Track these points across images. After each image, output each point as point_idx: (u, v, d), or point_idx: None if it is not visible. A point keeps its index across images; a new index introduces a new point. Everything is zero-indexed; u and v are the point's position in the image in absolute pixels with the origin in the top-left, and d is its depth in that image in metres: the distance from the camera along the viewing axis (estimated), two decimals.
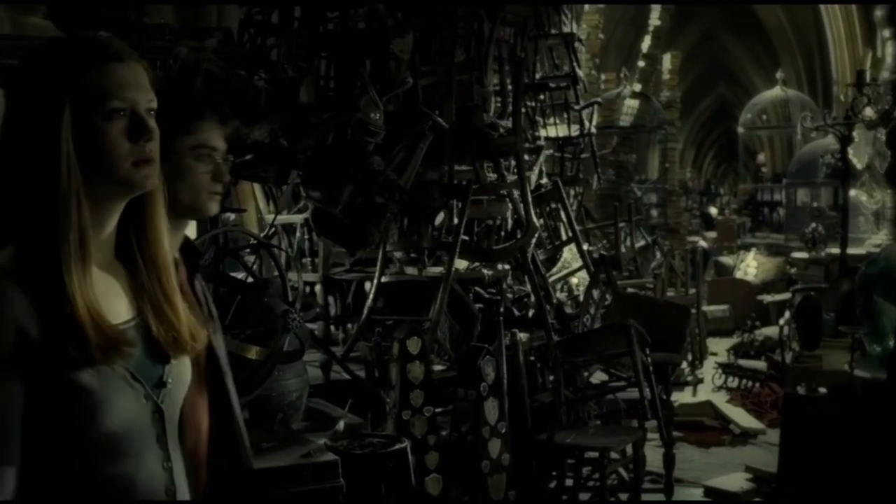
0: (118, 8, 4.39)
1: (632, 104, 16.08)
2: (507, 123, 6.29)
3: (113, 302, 1.66)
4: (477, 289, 6.49)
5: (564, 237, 7.24)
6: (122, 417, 1.60)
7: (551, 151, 8.34)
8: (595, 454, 5.59)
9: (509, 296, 6.60)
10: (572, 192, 9.44)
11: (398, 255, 6.13)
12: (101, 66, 1.59)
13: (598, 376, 6.54)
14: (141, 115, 1.63)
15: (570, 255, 7.27)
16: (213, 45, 5.25)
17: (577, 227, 9.68)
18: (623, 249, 8.70)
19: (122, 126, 1.61)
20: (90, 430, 1.57)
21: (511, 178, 6.39)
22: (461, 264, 6.35)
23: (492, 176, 6.49)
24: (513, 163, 6.45)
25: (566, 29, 8.46)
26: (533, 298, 6.34)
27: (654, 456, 6.69)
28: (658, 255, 10.98)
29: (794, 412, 3.87)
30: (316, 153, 4.21)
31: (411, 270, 6.11)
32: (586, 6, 14.70)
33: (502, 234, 6.76)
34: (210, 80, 4.01)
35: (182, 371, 1.76)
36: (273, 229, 5.32)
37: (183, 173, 2.20)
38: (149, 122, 1.63)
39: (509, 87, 6.69)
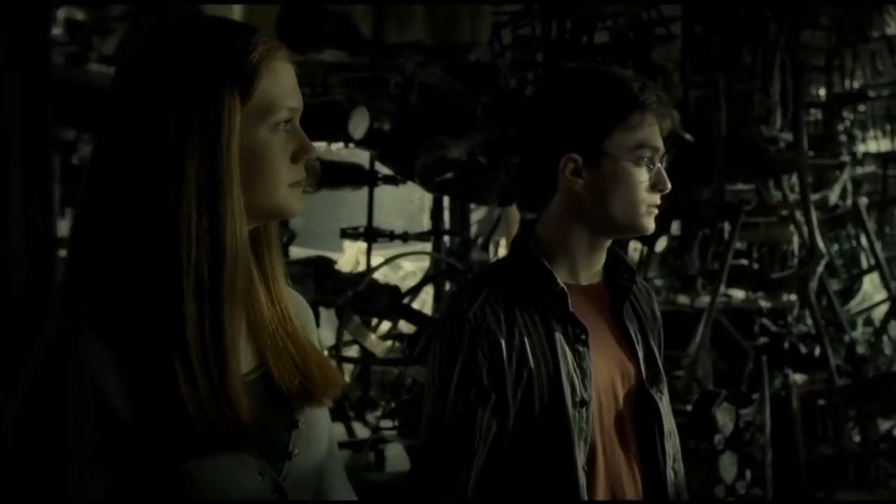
0: (348, 24, 4.30)
1: None
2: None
3: (240, 352, 1.32)
4: (764, 321, 5.90)
5: (866, 265, 6.46)
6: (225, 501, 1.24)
7: (872, 168, 7.64)
8: None
9: (802, 329, 5.93)
10: None
11: (658, 282, 5.68)
12: (268, 65, 1.28)
13: None
14: (299, 128, 1.32)
15: (871, 286, 6.45)
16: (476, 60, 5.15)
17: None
18: None
19: (283, 140, 1.30)
20: None
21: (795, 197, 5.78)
22: (739, 294, 5.82)
23: (777, 195, 5.92)
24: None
25: (890, 31, 7.87)
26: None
27: None
28: None
29: None
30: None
31: (683, 299, 5.63)
32: None
33: (795, 259, 6.16)
34: (425, 93, 3.79)
35: (314, 436, 1.38)
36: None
37: (618, 181, 1.76)
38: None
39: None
